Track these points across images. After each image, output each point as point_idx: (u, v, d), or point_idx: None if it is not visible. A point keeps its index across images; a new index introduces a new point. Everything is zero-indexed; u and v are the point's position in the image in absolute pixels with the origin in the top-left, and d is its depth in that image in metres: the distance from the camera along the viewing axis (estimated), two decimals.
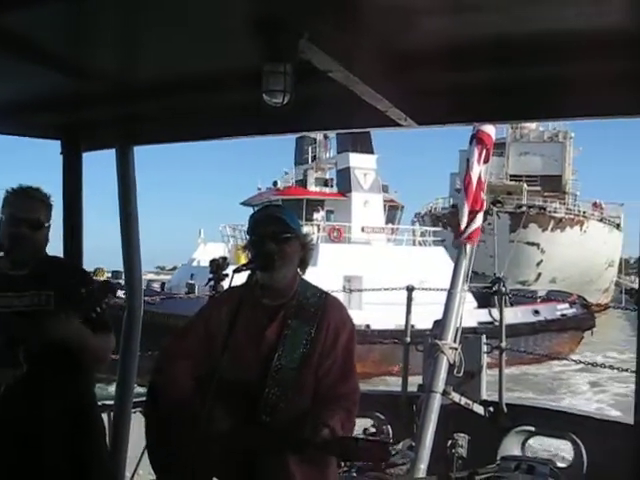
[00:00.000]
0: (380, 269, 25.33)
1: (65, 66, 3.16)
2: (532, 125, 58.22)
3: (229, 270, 3.10)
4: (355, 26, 2.65)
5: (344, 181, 31.89)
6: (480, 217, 5.68)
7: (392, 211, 33.22)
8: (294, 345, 2.86)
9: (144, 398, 3.03)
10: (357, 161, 31.52)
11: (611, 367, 7.94)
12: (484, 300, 21.43)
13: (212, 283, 5.14)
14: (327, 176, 33.73)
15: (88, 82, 3.39)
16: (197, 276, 26.87)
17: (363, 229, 30.32)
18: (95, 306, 3.11)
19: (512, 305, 21.39)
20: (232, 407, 2.75)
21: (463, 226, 5.62)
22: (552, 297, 29.95)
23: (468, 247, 5.74)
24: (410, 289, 6.79)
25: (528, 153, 59.02)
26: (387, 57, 2.94)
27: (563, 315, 29.30)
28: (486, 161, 5.72)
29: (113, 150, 4.30)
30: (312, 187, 32.61)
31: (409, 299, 6.82)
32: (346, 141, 31.57)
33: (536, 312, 27.49)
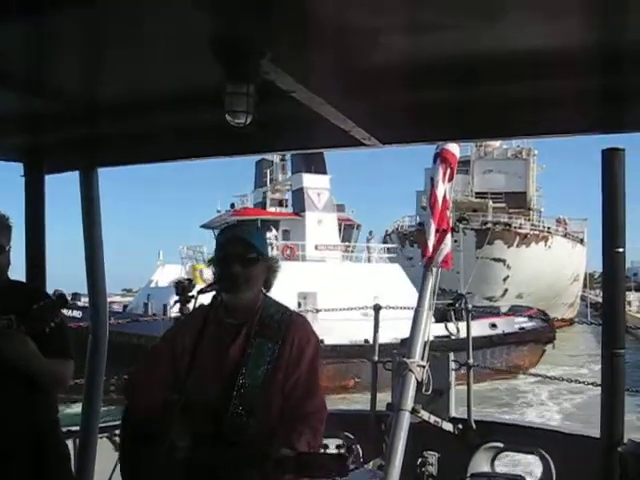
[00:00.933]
0: (334, 286, 25.95)
1: (26, 87, 3.13)
2: (496, 143, 58.98)
3: (195, 292, 3.09)
4: (318, 46, 2.65)
5: (299, 201, 33.06)
6: (449, 240, 5.72)
7: (348, 229, 34.33)
8: (258, 363, 2.85)
9: (111, 423, 3.00)
10: (310, 181, 32.66)
11: (569, 380, 8.04)
12: (442, 315, 21.59)
13: (179, 305, 5.11)
14: (285, 197, 35.07)
15: (50, 103, 3.36)
16: (153, 297, 28.06)
17: (317, 247, 31.16)
18: (48, 321, 3.05)
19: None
20: (198, 427, 2.72)
21: (431, 245, 5.63)
22: (515, 312, 30.48)
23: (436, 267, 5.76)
24: (377, 308, 6.78)
25: (492, 170, 59.78)
26: (350, 77, 2.95)
27: (521, 328, 29.69)
28: (450, 179, 5.74)
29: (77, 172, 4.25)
30: (269, 208, 33.93)
31: (376, 318, 6.81)
32: (300, 162, 32.83)
33: (493, 325, 27.77)
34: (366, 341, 24.36)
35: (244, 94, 2.56)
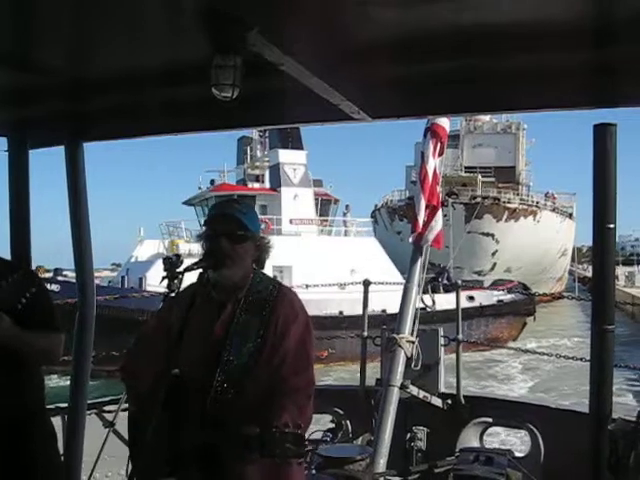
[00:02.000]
0: (310, 259, 26.15)
1: (10, 61, 3.06)
2: (485, 117, 59.02)
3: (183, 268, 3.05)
4: (307, 18, 2.60)
5: (275, 177, 33.41)
6: (440, 218, 5.70)
7: (326, 204, 34.76)
8: (243, 340, 2.82)
9: (99, 399, 2.99)
10: (286, 157, 33.19)
11: (543, 353, 8.12)
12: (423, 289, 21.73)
13: (167, 281, 5.06)
14: (263, 173, 35.21)
15: (35, 77, 3.29)
16: (131, 271, 29.36)
17: (292, 221, 31.62)
18: (17, 297, 3.00)
19: (447, 292, 22.09)
20: (185, 403, 2.71)
21: (421, 220, 5.62)
22: (497, 285, 30.82)
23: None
24: (367, 283, 6.78)
25: (482, 145, 59.83)
26: (340, 50, 2.90)
27: (500, 301, 29.95)
28: (441, 154, 5.72)
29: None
30: (248, 184, 34.39)
31: (366, 293, 6.81)
32: (276, 139, 33.49)
33: (471, 298, 27.91)
34: (340, 313, 24.89)
35: (231, 67, 2.50)
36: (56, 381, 12.27)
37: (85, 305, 4.28)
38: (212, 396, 2.75)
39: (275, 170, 33.64)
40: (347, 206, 36.31)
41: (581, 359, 5.87)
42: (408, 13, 2.67)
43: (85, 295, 4.29)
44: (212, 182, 34.87)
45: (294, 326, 2.88)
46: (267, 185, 34.01)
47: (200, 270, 2.83)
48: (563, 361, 7.52)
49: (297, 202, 32.54)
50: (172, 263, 2.83)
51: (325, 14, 2.63)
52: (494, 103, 3.52)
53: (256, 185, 34.34)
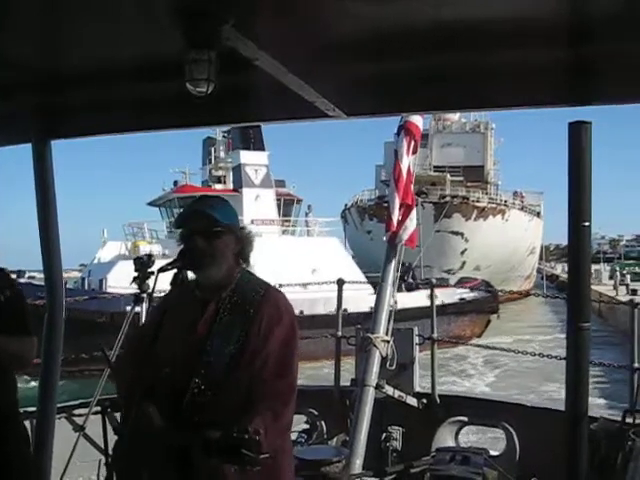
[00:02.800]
0: (271, 259, 26.42)
1: None
2: (454, 116, 59.55)
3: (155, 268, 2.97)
4: (282, 13, 2.56)
5: (238, 178, 33.95)
6: (415, 217, 5.68)
7: (288, 204, 35.26)
8: (225, 341, 2.73)
9: (69, 403, 2.93)
10: (248, 158, 33.84)
11: (505, 349, 8.20)
12: None
13: (137, 282, 4.97)
14: (225, 174, 35.66)
15: (0, 71, 3.19)
16: (93, 273, 29.94)
17: (253, 222, 31.60)
18: None
19: (410, 290, 22.32)
20: (163, 404, 2.65)
21: (395, 219, 5.59)
22: (463, 282, 31.16)
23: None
24: (341, 283, 6.75)
25: (451, 144, 60.35)
26: (316, 46, 2.86)
27: (462, 299, 30.19)
28: (414, 152, 5.71)
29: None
30: (211, 185, 34.76)
31: (339, 292, 6.77)
32: (238, 140, 34.25)
33: None
34: (301, 312, 25.08)
35: (206, 61, 2.45)
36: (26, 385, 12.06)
37: (54, 307, 4.18)
38: (188, 398, 2.68)
39: (237, 171, 34.10)
40: (309, 206, 36.86)
41: (556, 357, 5.88)
42: (385, 9, 2.64)
43: (54, 297, 4.20)
44: (175, 183, 35.19)
45: (278, 328, 2.78)
46: (230, 186, 34.34)
47: (174, 270, 2.75)
48: (529, 357, 7.58)
49: (258, 203, 32.94)
50: (143, 263, 2.76)
51: (302, 9, 2.59)
52: (470, 101, 3.50)
53: (218, 186, 34.56)
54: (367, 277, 28.33)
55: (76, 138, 4.36)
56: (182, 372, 2.71)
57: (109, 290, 24.83)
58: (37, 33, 2.87)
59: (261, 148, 34.53)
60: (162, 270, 2.71)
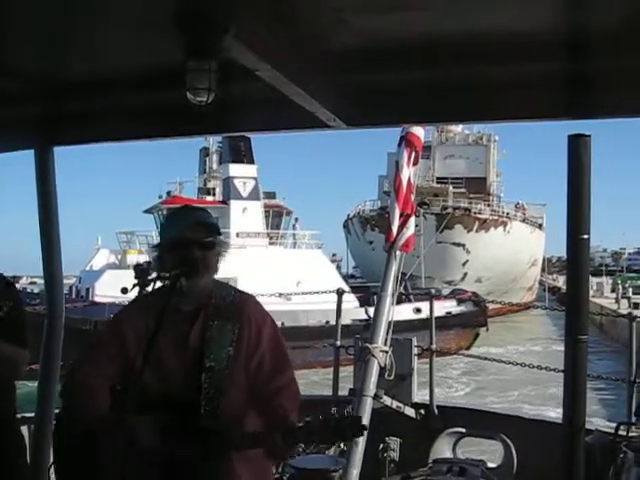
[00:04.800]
0: (256, 271, 26.53)
1: None
2: (457, 128, 59.55)
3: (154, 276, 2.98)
4: (283, 24, 2.58)
5: (227, 190, 34.55)
6: (412, 224, 5.69)
7: (277, 217, 35.73)
8: (220, 345, 2.80)
9: None
10: (236, 171, 34.25)
11: (497, 360, 8.23)
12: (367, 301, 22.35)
13: (137, 289, 4.99)
14: (215, 186, 36.55)
15: (5, 81, 3.23)
16: (84, 280, 30.56)
17: (238, 234, 32.10)
18: None
19: (399, 303, 22.18)
20: (164, 418, 2.63)
21: (395, 229, 5.60)
22: (455, 294, 31.12)
23: (398, 251, 5.75)
24: (340, 293, 6.77)
25: (453, 156, 60.33)
26: (316, 57, 2.89)
27: (448, 313, 30.02)
28: (415, 163, 5.72)
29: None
30: (201, 197, 35.58)
31: (339, 303, 6.79)
32: (227, 153, 34.80)
33: (418, 310, 27.99)
34: (282, 324, 25.09)
35: (206, 70, 2.47)
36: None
37: (54, 312, 4.20)
38: (203, 403, 2.72)
39: (226, 183, 34.71)
40: (296, 219, 37.43)
41: (554, 369, 5.88)
42: (384, 21, 2.67)
43: (54, 303, 4.21)
44: (168, 193, 35.70)
45: (265, 328, 2.90)
46: (220, 198, 35.07)
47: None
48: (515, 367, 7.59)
49: (245, 215, 33.41)
50: (143, 270, 2.77)
51: (302, 20, 2.61)
52: (469, 113, 3.52)
53: (209, 198, 35.15)
54: (368, 287, 28.17)
55: (78, 145, 4.39)
56: (186, 384, 2.74)
57: (96, 299, 25.24)
58: (41, 43, 2.90)
59: (251, 161, 35.02)
60: (160, 278, 2.72)
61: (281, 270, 28.80)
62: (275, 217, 35.51)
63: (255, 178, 34.81)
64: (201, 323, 2.83)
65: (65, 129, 4.01)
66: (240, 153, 34.30)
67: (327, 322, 24.19)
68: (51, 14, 2.56)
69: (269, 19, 2.50)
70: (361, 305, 22.76)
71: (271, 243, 34.43)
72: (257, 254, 30.83)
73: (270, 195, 37.04)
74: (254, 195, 34.39)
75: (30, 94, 3.44)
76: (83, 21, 2.59)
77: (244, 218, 33.24)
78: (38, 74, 3.27)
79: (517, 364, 7.35)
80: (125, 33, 2.72)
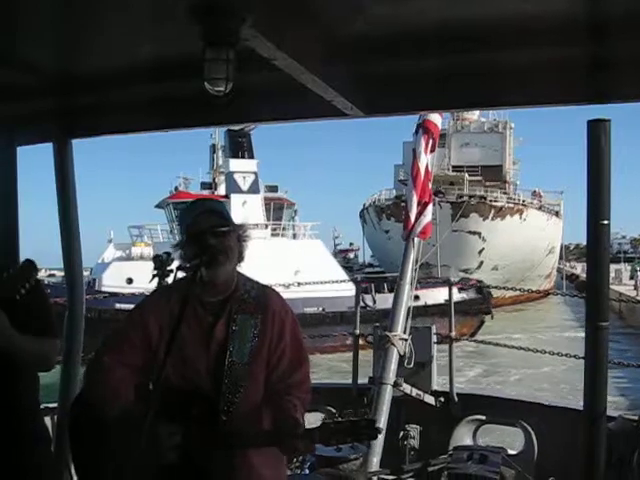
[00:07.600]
0: (255, 261, 26.72)
1: None
2: (473, 116, 59.23)
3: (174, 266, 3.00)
4: (300, 12, 2.57)
5: (228, 184, 36.02)
6: (430, 211, 5.69)
7: (278, 209, 36.92)
8: (243, 339, 2.78)
9: None
10: (236, 166, 35.70)
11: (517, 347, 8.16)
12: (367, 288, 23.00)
13: (157, 280, 5.02)
14: (217, 181, 38.24)
15: (22, 75, 3.25)
16: (94, 272, 31.38)
17: None
18: (18, 287, 2.92)
19: (391, 291, 22.23)
20: (186, 411, 2.64)
21: (413, 217, 5.60)
22: (463, 283, 31.12)
23: (416, 239, 5.75)
24: (357, 281, 6.77)
25: (469, 144, 60.00)
26: (333, 45, 2.87)
27: (447, 300, 29.79)
28: (432, 150, 5.70)
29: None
30: (202, 191, 37.09)
31: (357, 291, 6.78)
32: (229, 148, 36.71)
33: (416, 297, 27.91)
34: None
35: (224, 60, 2.46)
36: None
37: (75, 304, 4.22)
38: (222, 398, 2.71)
39: (228, 178, 35.98)
40: (295, 211, 38.54)
41: (574, 356, 5.84)
42: (402, 8, 2.66)
43: (74, 294, 4.24)
44: (176, 188, 37.27)
45: (287, 321, 2.88)
46: (223, 192, 36.03)
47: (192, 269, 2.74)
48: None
49: (245, 208, 33.97)
50: (162, 261, 2.77)
51: (319, 9, 2.61)
52: (487, 99, 3.51)
53: (206, 192, 36.27)
54: (385, 276, 28.22)
55: (96, 137, 4.41)
56: (209, 377, 2.74)
57: (103, 289, 26.37)
58: (56, 37, 2.91)
59: (251, 156, 36.32)
60: (180, 269, 2.72)
61: (280, 260, 29.51)
62: (276, 210, 36.57)
63: (255, 172, 35.98)
64: (226, 316, 2.81)
65: (82, 121, 4.03)
66: (241, 149, 35.86)
67: (323, 309, 25.44)
68: (67, 7, 2.57)
69: (286, 8, 2.49)
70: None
71: (274, 234, 35.46)
72: (256, 245, 31.12)
73: (272, 188, 38.53)
74: (254, 188, 35.57)
75: (47, 87, 3.45)
76: (98, 12, 2.59)
77: (244, 211, 33.72)
78: (54, 68, 3.28)
79: (537, 351, 7.29)
80: (141, 25, 2.72)
